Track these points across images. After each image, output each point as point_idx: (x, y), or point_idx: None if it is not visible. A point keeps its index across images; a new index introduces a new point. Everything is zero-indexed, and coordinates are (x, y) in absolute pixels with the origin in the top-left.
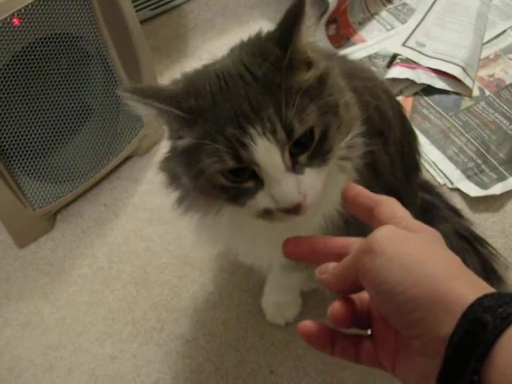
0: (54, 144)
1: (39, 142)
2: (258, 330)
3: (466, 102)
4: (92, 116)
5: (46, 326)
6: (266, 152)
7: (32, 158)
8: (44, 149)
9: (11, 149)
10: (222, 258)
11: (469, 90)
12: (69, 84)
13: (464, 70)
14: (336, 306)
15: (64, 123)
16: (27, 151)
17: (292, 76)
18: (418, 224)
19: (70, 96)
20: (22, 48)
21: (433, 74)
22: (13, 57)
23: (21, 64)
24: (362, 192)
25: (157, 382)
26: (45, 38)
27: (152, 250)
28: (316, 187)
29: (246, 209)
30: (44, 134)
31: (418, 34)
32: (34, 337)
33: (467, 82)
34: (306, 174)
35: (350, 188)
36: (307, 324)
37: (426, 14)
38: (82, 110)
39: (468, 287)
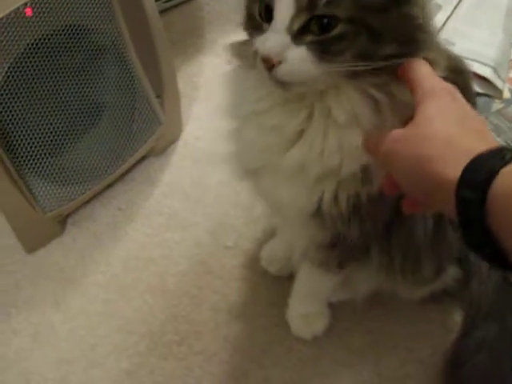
0: (66, 143)
1: (50, 140)
2: (283, 345)
3: (497, 105)
4: (106, 114)
5: (57, 338)
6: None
7: (42, 158)
8: (55, 148)
9: (20, 148)
10: (245, 267)
11: (499, 92)
12: (82, 79)
13: (495, 70)
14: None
15: (76, 121)
16: (37, 150)
17: None
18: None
19: (83, 92)
20: (35, 40)
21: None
22: (24, 50)
23: (32, 57)
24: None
25: None
26: (58, 30)
27: (169, 257)
28: (297, 68)
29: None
30: (55, 132)
31: (446, 32)
32: (45, 349)
33: (498, 83)
34: (299, 49)
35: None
36: None
37: (454, 10)
38: (96, 107)
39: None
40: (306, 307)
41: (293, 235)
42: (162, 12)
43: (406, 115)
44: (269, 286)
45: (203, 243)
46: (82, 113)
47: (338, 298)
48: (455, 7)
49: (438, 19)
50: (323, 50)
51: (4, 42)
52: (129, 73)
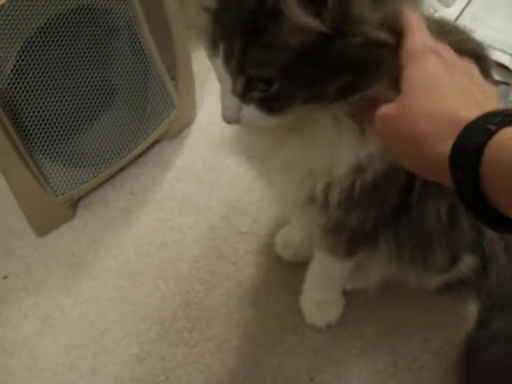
0: (78, 125)
1: (62, 122)
2: (297, 333)
3: None
4: (119, 96)
5: (67, 323)
6: (220, 66)
7: (55, 140)
8: (67, 130)
9: (33, 130)
10: (259, 253)
11: None
12: (95, 60)
13: None
14: None
15: (89, 103)
16: (49, 133)
17: (277, 26)
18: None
19: (96, 73)
20: (47, 20)
21: None
22: (37, 30)
23: (44, 38)
24: None
25: None
26: (71, 10)
27: (182, 242)
28: (254, 123)
29: None
30: (68, 114)
31: (466, 19)
32: (55, 334)
33: None
34: (250, 107)
35: None
36: None
37: None
38: (109, 89)
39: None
40: (320, 295)
41: (297, 220)
42: None
43: None
44: (283, 272)
45: (217, 228)
46: (95, 95)
47: (352, 286)
48: None
49: (457, 6)
50: (271, 105)
51: (16, 22)
52: (143, 54)
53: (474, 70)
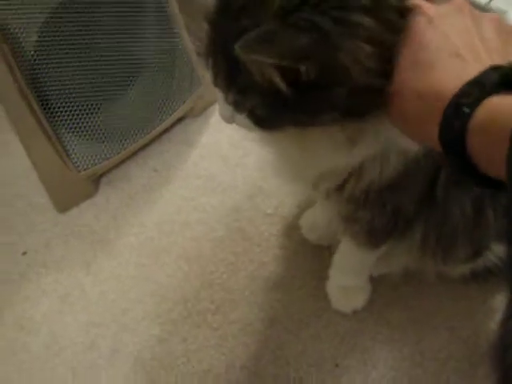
0: (102, 100)
1: (86, 97)
2: (322, 317)
3: None
4: (145, 71)
5: (87, 300)
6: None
7: (78, 115)
8: (91, 105)
9: (56, 104)
10: (284, 235)
11: None
12: (121, 35)
13: None
14: None
15: (114, 78)
16: (73, 107)
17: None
18: None
19: (122, 48)
20: None
21: None
22: (61, 2)
23: (68, 11)
24: None
25: (209, 369)
26: None
27: (206, 222)
28: (246, 128)
29: None
30: (92, 89)
31: (498, 0)
32: (75, 311)
33: None
34: (241, 116)
35: None
36: None
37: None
38: (134, 64)
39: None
40: (347, 280)
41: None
42: None
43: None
44: (308, 255)
45: (241, 209)
46: (121, 69)
47: (380, 271)
48: None
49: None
50: (260, 122)
51: None
52: (170, 29)
53: (489, 19)
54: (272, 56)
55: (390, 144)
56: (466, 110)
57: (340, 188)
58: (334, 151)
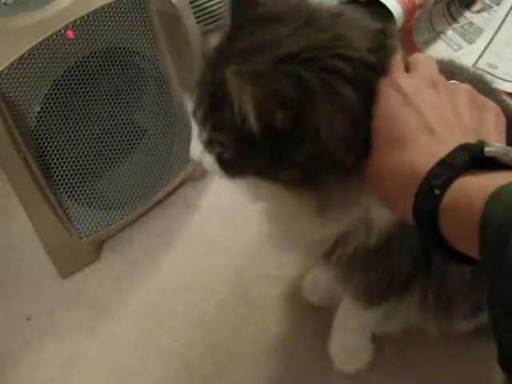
0: (104, 167)
1: (88, 164)
2: (325, 377)
3: None
4: (145, 137)
5: (91, 367)
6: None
7: (80, 183)
8: (93, 172)
9: (59, 172)
10: (287, 297)
11: None
12: (121, 102)
13: None
14: None
15: (115, 145)
16: (75, 175)
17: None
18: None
19: (122, 115)
20: (75, 63)
21: (508, 99)
22: (65, 71)
23: (72, 80)
24: None
25: None
26: (98, 52)
27: (209, 286)
28: (212, 171)
29: None
30: (93, 156)
31: (489, 55)
32: (78, 379)
33: None
34: (210, 157)
35: None
36: None
37: (496, 33)
38: (135, 131)
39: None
40: (349, 341)
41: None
42: (204, 34)
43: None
44: (311, 316)
45: (244, 271)
46: (121, 136)
47: (383, 330)
48: (496, 31)
49: (480, 43)
50: (226, 167)
51: (45, 64)
52: (169, 96)
53: (462, 92)
54: (257, 90)
55: (371, 212)
56: (437, 191)
57: (328, 255)
58: (310, 224)
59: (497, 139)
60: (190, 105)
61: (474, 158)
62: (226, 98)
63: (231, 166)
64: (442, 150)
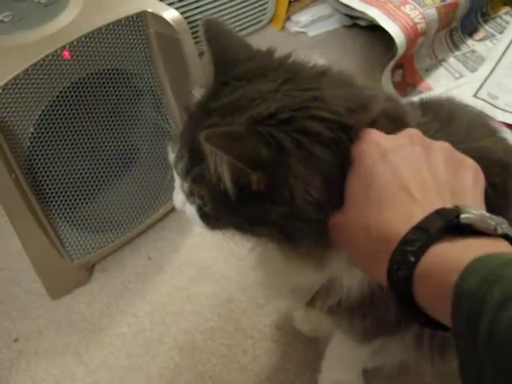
0: (97, 189)
1: (81, 187)
2: None
3: None
4: (139, 160)
5: None
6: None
7: (73, 205)
8: (86, 194)
9: (51, 193)
10: (277, 327)
11: None
12: (116, 124)
13: None
14: None
15: (109, 167)
16: (68, 197)
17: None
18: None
19: (117, 137)
20: (71, 84)
21: (507, 130)
22: (60, 92)
23: (67, 100)
24: None
25: None
26: (95, 73)
27: (199, 312)
28: (194, 221)
29: None
30: (87, 178)
31: (490, 85)
32: None
33: None
34: (192, 207)
35: None
36: None
37: (497, 63)
38: (129, 153)
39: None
40: (340, 375)
41: None
42: (202, 55)
43: None
44: (301, 347)
45: (235, 299)
46: (115, 159)
47: (374, 364)
48: (498, 60)
49: (482, 71)
50: (205, 218)
51: (40, 85)
52: (165, 118)
53: (439, 149)
54: (231, 154)
55: (350, 267)
56: (411, 258)
57: (311, 303)
58: (290, 271)
59: (473, 198)
60: (171, 156)
61: (449, 225)
62: (203, 156)
63: (211, 218)
64: (418, 212)
